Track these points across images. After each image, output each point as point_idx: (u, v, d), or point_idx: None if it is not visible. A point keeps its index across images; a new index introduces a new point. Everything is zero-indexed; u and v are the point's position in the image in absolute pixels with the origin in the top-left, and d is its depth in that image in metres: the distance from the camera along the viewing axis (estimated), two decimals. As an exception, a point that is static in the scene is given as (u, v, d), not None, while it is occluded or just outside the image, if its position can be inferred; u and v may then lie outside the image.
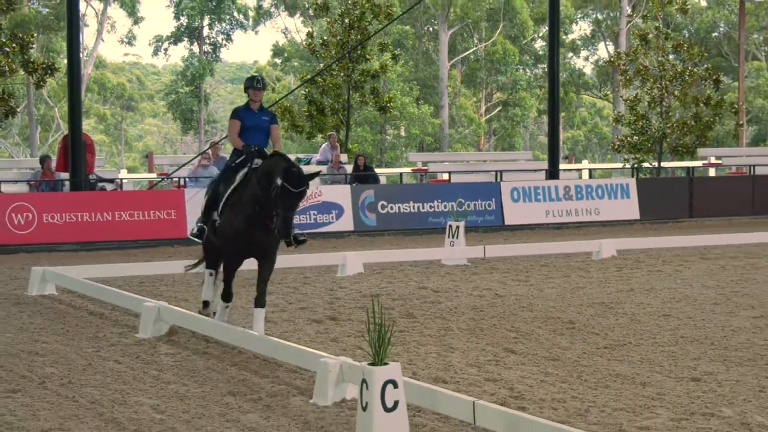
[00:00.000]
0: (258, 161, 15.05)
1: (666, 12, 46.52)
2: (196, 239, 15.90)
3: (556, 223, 33.16)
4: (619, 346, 14.83)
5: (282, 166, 14.22)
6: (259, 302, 14.90)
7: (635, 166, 42.42)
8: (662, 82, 42.19)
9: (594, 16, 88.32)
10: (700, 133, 42.40)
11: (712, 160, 43.15)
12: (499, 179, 34.77)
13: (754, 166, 39.25)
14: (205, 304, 16.10)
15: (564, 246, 26.15)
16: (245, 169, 15.12)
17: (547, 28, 42.50)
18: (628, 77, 43.99)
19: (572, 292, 19.81)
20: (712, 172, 44.89)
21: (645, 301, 18.67)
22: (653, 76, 42.46)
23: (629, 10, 77.58)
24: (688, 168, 42.15)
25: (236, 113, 15.97)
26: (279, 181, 13.94)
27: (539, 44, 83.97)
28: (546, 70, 48.10)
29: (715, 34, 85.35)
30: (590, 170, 50.67)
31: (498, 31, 79.88)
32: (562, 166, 39.96)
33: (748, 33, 75.71)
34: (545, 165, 37.44)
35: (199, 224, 15.75)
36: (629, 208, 34.31)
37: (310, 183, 14.47)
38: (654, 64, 42.75)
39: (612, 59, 49.30)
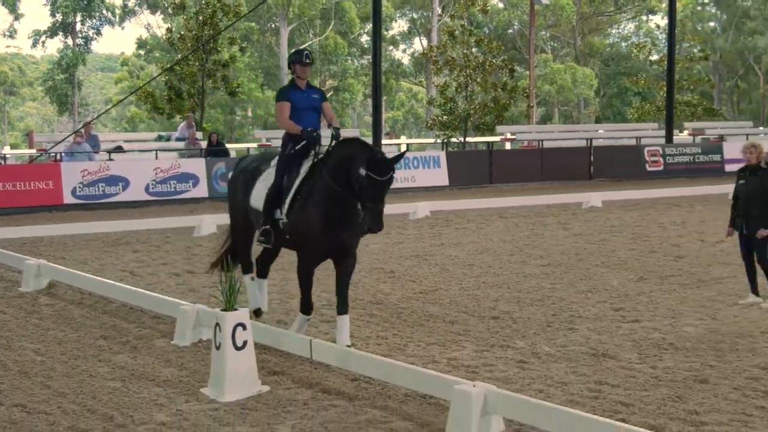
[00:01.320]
0: (322, 149, 11.62)
1: (470, 12, 46.89)
2: (265, 245, 11.85)
3: (379, 189, 33.21)
4: (431, 291, 14.99)
5: (362, 153, 10.72)
6: (342, 309, 11.19)
7: (445, 141, 42.83)
8: (467, 71, 42.61)
9: (410, 15, 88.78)
10: (498, 114, 43.00)
11: (508, 135, 43.66)
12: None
13: (542, 140, 39.86)
14: (259, 312, 12.71)
15: (386, 208, 26.20)
16: (310, 160, 11.55)
17: (371, 25, 42.49)
18: (438, 67, 44.34)
19: (393, 247, 19.94)
20: (508, 146, 45.45)
21: (453, 253, 18.89)
22: (459, 65, 42.84)
23: (440, 11, 78.18)
24: (488, 142, 42.69)
25: (284, 94, 12.01)
26: (363, 171, 10.51)
27: (364, 39, 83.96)
28: (370, 60, 48.21)
29: (510, 31, 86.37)
30: (407, 145, 50.98)
31: (330, 28, 79.76)
32: (384, 141, 40.10)
33: (537, 30, 76.73)
34: (370, 140, 37.46)
35: (264, 227, 11.71)
36: (440, 176, 34.54)
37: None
38: (460, 56, 43.10)
39: (425, 52, 49.74)
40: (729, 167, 36.77)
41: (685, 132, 46.81)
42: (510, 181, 35.36)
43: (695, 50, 60.64)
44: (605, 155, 38.11)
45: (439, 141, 43.90)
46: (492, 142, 42.55)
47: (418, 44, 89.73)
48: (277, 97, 12.16)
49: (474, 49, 43.99)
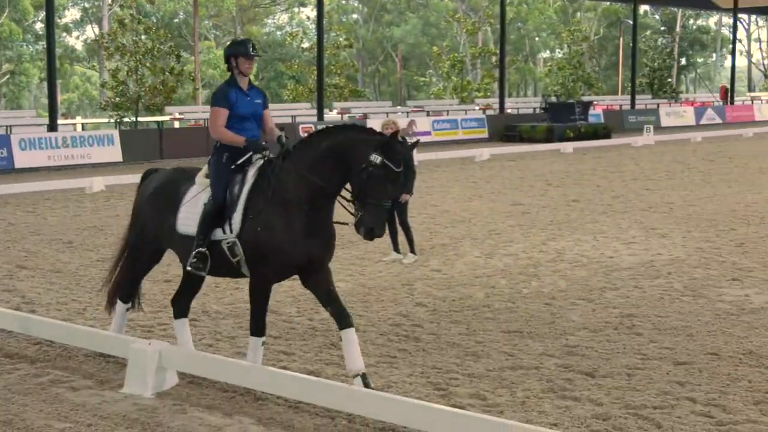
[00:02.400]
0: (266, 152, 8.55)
1: (138, 2, 45.92)
2: (200, 272, 8.52)
3: (56, 165, 31.94)
4: (108, 259, 14.53)
5: (368, 138, 7.95)
6: (346, 321, 8.12)
7: (118, 120, 41.87)
8: (137, 57, 41.76)
9: (82, 4, 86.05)
10: (167, 95, 42.44)
11: (177, 115, 43.10)
12: (9, 132, 33.10)
13: (206, 119, 39.61)
14: None
15: (63, 183, 25.31)
16: (256, 164, 8.50)
17: (45, 12, 40.75)
18: (110, 52, 43.25)
19: (71, 219, 19.29)
20: (177, 125, 44.87)
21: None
22: (129, 51, 41.92)
23: (110, 0, 76.01)
24: (158, 121, 42.00)
25: (223, 97, 8.64)
26: (377, 158, 7.69)
27: (39, 26, 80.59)
28: (45, 46, 46.27)
29: (176, 20, 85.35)
30: (83, 124, 49.50)
31: (4, 15, 75.96)
32: (60, 121, 38.72)
33: (200, 20, 76.15)
34: (47, 121, 35.98)
35: (198, 251, 8.41)
36: (114, 153, 33.65)
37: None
38: (130, 42, 42.18)
39: (97, 38, 48.21)
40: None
41: (334, 111, 47.82)
42: (179, 156, 34.86)
43: (341, 39, 61.88)
44: (265, 132, 38.31)
45: (112, 121, 42.80)
46: (162, 121, 41.87)
47: (91, 31, 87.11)
48: (214, 101, 8.73)
49: (143, 36, 43.12)
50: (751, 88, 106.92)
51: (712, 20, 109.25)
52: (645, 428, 7.33)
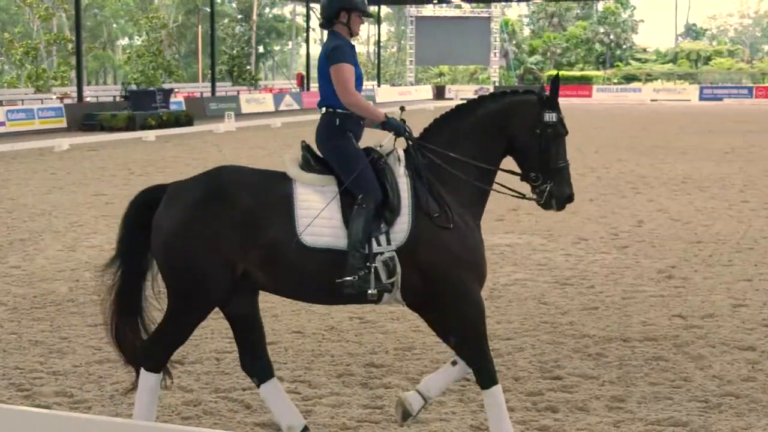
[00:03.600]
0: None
1: None
2: (372, 299, 6.29)
3: None
4: None
5: (529, 97, 6.52)
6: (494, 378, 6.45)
7: None
8: None
9: None
10: None
11: None
12: None
13: None
14: None
15: None
16: (387, 149, 6.45)
17: None
18: None
19: None
20: None
21: None
22: None
23: None
24: None
25: (348, 52, 6.56)
26: (551, 117, 6.37)
27: None
28: None
29: None
30: None
31: None
32: None
33: None
34: None
35: (365, 266, 6.14)
36: None
37: None
38: None
39: None
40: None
41: None
42: None
43: None
44: None
45: None
46: None
47: None
48: (340, 56, 6.50)
49: None
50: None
51: (287, 9, 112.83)
52: (235, 410, 7.44)
